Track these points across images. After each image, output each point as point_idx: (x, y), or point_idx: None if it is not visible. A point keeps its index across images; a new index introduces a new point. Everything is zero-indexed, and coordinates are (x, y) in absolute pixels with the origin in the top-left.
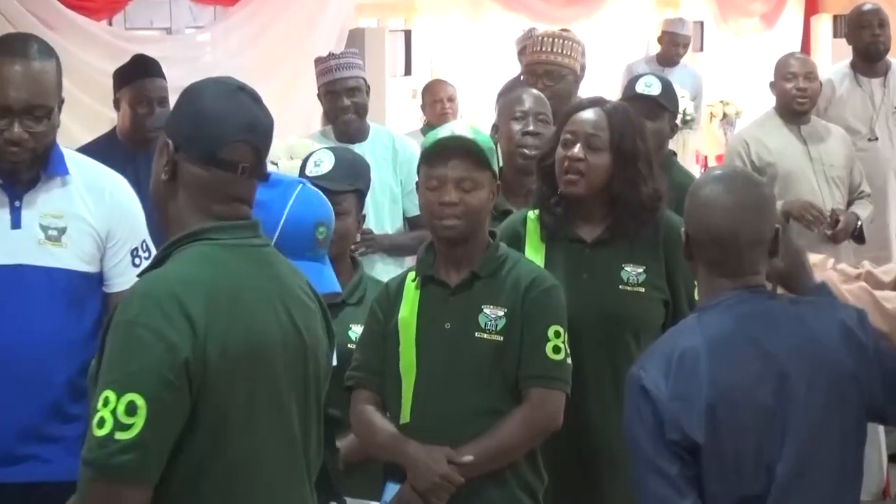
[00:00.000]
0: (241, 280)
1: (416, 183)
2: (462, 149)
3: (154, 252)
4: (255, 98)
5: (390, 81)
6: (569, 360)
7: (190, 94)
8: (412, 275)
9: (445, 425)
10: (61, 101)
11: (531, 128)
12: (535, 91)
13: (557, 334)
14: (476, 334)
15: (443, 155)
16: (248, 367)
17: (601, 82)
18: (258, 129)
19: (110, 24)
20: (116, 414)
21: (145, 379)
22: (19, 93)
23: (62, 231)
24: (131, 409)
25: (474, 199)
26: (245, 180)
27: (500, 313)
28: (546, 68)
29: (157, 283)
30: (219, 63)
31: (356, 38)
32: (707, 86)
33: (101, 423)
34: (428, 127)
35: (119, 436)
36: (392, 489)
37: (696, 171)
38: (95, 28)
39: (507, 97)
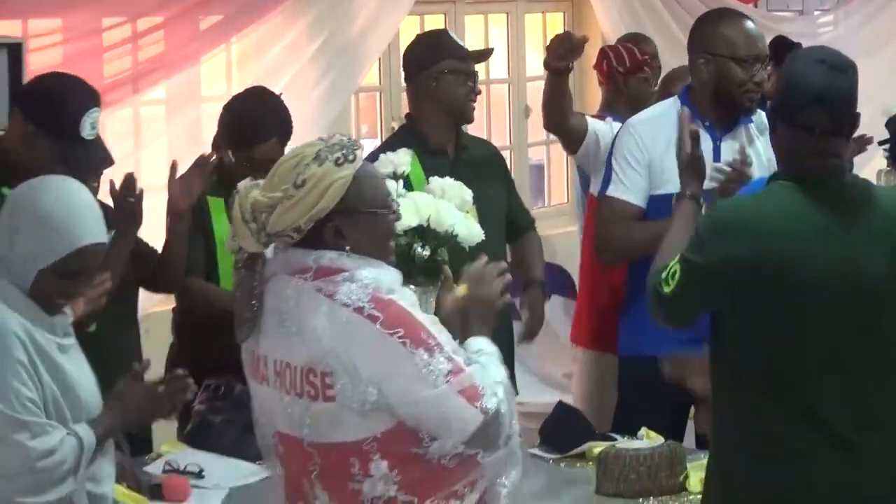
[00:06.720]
0: (793, 211)
1: None
2: None
3: None
4: (838, 67)
5: None
6: None
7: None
8: None
9: None
10: None
11: None
12: None
13: None
14: None
15: None
16: (795, 289)
17: None
18: (827, 97)
19: (755, 6)
20: None
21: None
22: (762, 41)
23: None
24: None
25: None
26: (826, 138)
27: None
28: None
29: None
30: (838, 39)
31: None
32: None
33: None
34: None
35: None
36: None
37: None
38: (745, 8)
39: None
